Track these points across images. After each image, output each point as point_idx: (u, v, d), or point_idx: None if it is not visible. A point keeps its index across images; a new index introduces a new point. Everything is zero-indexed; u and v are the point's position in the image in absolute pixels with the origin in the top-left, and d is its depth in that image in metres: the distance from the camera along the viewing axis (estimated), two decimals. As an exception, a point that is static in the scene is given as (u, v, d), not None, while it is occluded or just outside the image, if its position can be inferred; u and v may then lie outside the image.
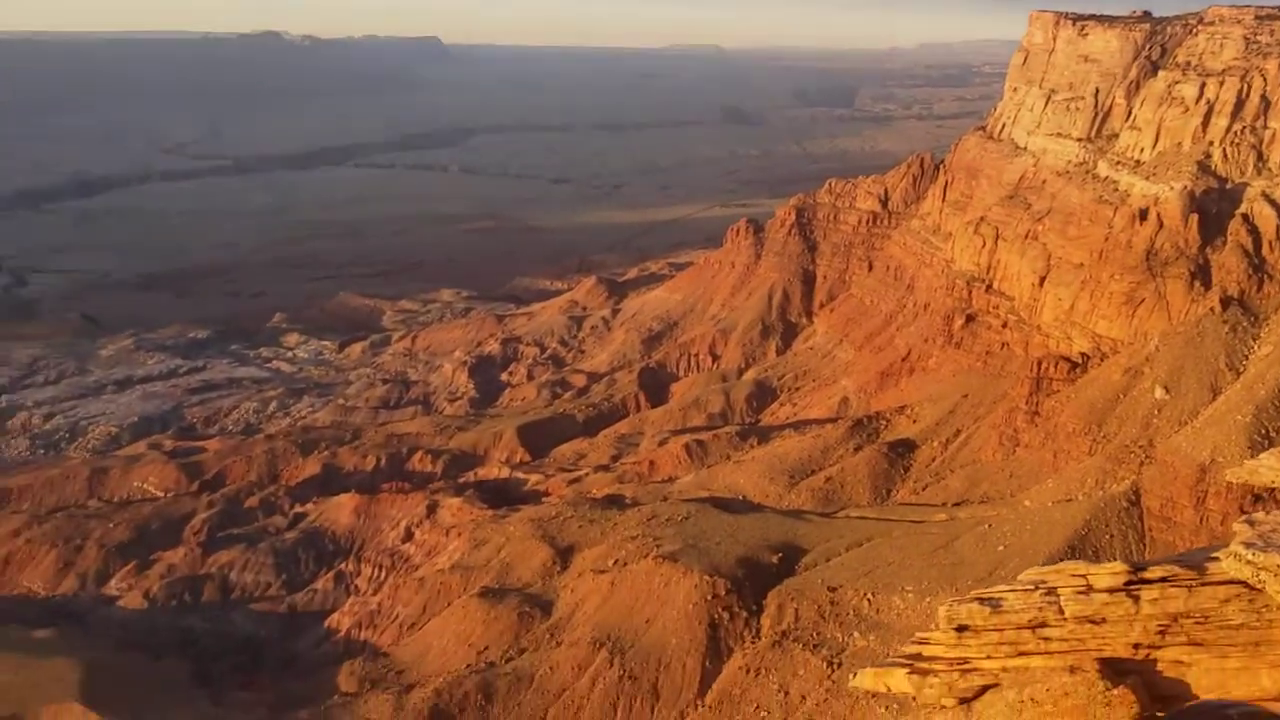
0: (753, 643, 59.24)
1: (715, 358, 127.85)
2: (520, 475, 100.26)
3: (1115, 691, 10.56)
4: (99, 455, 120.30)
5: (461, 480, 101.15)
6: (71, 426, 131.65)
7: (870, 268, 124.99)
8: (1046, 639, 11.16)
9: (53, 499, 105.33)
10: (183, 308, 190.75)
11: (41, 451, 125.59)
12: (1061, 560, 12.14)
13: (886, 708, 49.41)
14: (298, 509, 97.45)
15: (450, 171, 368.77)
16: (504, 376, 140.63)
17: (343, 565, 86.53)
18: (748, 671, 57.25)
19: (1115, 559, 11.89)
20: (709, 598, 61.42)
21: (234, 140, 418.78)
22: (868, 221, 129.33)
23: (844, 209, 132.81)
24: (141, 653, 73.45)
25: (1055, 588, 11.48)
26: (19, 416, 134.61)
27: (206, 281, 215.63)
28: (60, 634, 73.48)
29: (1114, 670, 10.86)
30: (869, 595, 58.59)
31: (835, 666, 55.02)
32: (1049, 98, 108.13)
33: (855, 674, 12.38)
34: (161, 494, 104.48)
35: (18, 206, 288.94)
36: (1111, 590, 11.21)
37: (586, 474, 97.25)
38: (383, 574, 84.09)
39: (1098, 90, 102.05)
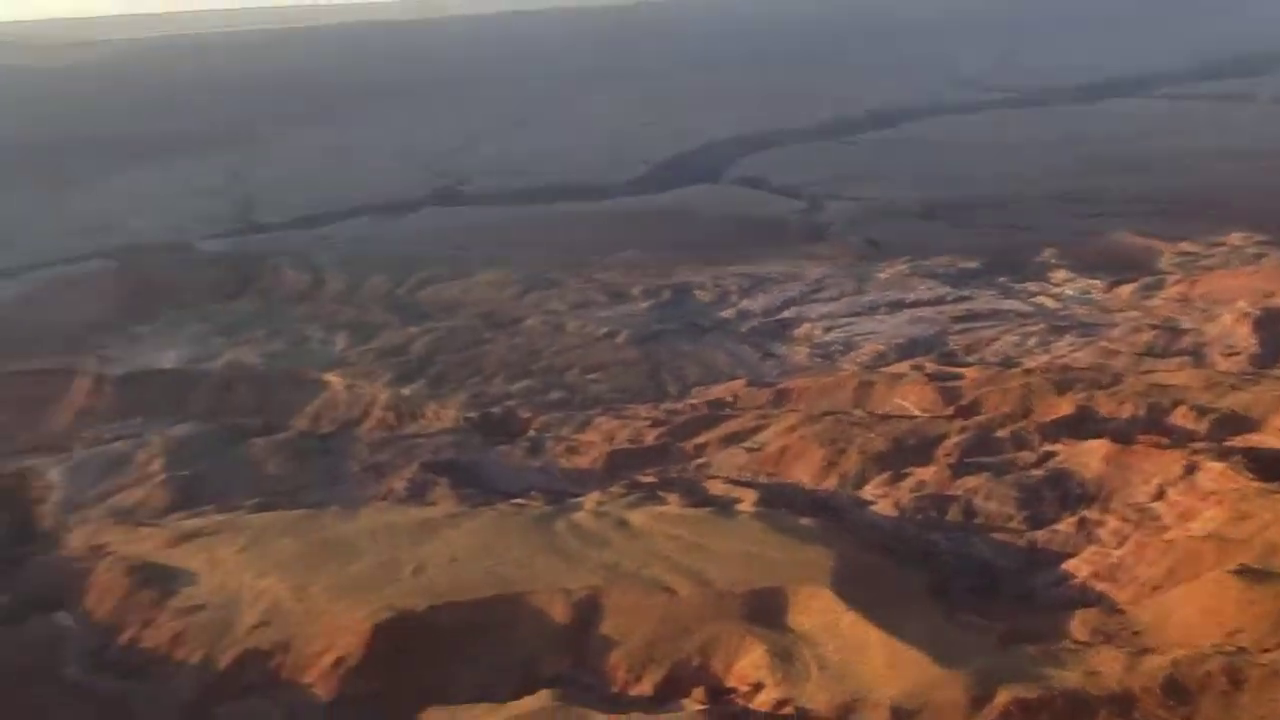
0: None
1: None
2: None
3: None
4: (867, 370, 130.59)
5: (1228, 443, 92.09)
6: (846, 341, 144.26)
7: None
8: None
9: (824, 404, 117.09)
10: (957, 237, 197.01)
11: (818, 360, 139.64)
12: None
13: None
14: (1046, 447, 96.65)
15: (1259, 102, 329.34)
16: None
17: (1087, 511, 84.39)
18: None
19: None
20: None
21: (1021, 72, 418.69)
22: None
23: None
24: (885, 556, 79.20)
25: None
26: (803, 327, 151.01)
27: (982, 213, 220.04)
28: (819, 525, 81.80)
29: None
30: None
31: None
32: None
33: None
34: (919, 413, 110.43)
35: (820, 138, 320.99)
36: None
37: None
38: (1129, 528, 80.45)
39: None
